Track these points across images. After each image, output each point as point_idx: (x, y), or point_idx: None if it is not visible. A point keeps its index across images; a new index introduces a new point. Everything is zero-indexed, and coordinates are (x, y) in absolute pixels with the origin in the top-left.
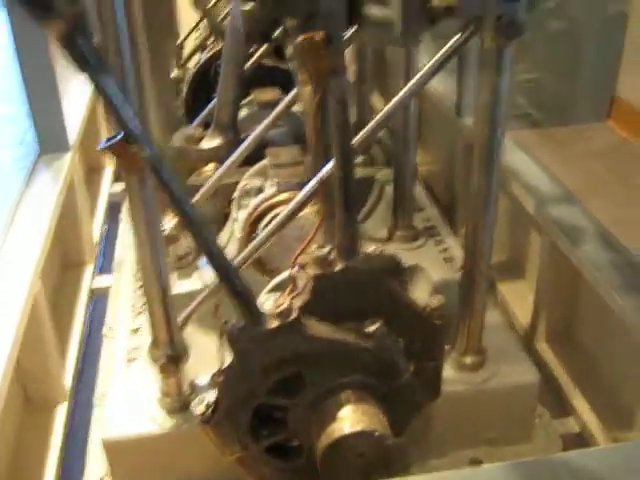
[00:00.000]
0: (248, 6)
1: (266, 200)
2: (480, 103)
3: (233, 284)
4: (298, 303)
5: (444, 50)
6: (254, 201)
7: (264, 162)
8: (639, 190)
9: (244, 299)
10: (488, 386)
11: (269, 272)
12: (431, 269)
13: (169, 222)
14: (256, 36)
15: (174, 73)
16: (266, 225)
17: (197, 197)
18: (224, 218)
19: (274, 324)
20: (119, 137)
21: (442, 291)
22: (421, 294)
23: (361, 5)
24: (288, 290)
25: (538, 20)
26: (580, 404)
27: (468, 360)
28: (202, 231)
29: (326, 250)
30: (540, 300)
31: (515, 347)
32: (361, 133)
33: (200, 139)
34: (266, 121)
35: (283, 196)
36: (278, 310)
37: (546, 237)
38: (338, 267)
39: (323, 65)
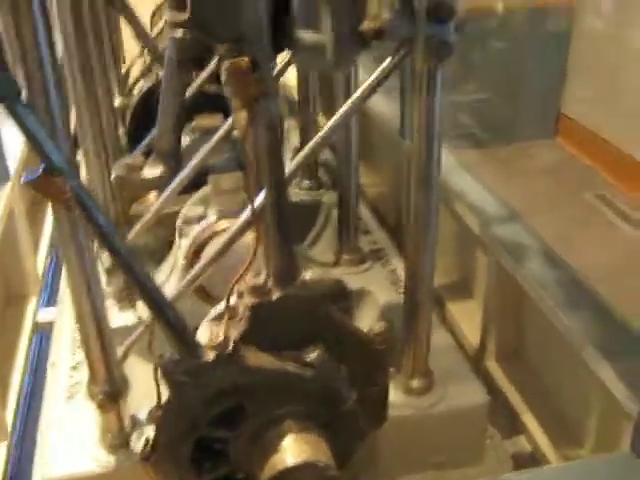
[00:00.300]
0: (179, 33)
1: (208, 228)
2: (415, 124)
3: (166, 317)
4: (236, 333)
5: (377, 72)
6: (196, 229)
7: (206, 189)
8: (584, 206)
9: (179, 331)
10: (436, 410)
11: (213, 300)
12: (378, 292)
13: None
14: (188, 63)
15: (119, 101)
16: None
17: (138, 226)
18: (169, 246)
19: (211, 356)
20: (41, 170)
21: (390, 314)
22: (368, 318)
23: (291, 30)
24: (225, 320)
25: (482, 41)
26: (531, 423)
27: (415, 383)
28: (131, 263)
29: (262, 278)
30: (489, 319)
31: (463, 368)
32: (298, 156)
33: (141, 168)
34: (204, 148)
35: (225, 223)
36: (215, 341)
37: (491, 256)
38: (275, 295)
39: (250, 91)
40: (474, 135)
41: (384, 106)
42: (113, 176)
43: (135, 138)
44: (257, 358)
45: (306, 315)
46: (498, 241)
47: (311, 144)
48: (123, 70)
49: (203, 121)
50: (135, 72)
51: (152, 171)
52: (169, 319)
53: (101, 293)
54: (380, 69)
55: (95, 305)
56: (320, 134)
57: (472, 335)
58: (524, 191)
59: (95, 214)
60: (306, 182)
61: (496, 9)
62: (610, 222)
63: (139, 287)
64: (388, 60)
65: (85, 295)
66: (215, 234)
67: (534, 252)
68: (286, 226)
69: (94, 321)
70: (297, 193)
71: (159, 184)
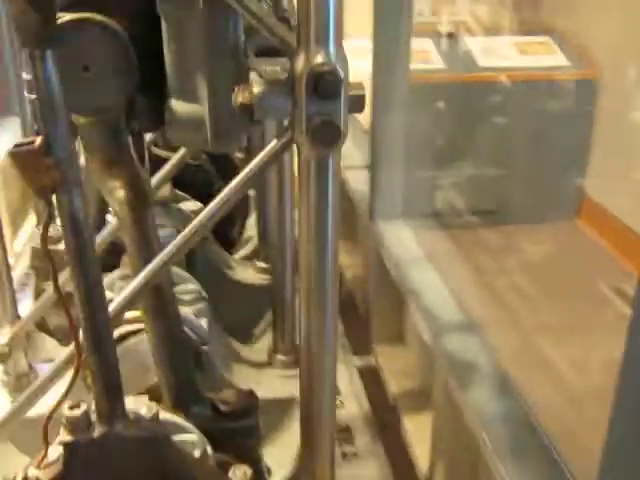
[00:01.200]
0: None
1: None
2: (304, 222)
3: None
4: (47, 476)
5: (258, 159)
6: None
7: (116, 273)
8: (594, 300)
9: None
10: None
11: None
12: None
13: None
14: None
15: None
16: None
17: (38, 304)
18: None
19: None
20: None
21: None
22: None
23: (167, 102)
24: (39, 457)
25: (492, 113)
26: None
27: None
28: None
29: (81, 410)
30: (440, 442)
31: None
32: (172, 244)
33: (61, 238)
34: (111, 224)
35: (132, 313)
36: None
37: (440, 375)
38: (97, 432)
39: (41, 179)
40: (473, 214)
41: (357, 183)
42: (30, 247)
43: None
44: None
45: (139, 458)
46: (448, 357)
47: (186, 231)
48: None
49: None
50: None
51: None
52: None
53: None
54: (260, 156)
55: None
56: (197, 220)
57: (423, 457)
58: (520, 284)
59: None
60: (261, 264)
61: (514, 79)
62: (622, 318)
63: None
64: (272, 144)
65: None
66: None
67: (484, 375)
68: (108, 348)
69: None
70: (252, 276)
71: None
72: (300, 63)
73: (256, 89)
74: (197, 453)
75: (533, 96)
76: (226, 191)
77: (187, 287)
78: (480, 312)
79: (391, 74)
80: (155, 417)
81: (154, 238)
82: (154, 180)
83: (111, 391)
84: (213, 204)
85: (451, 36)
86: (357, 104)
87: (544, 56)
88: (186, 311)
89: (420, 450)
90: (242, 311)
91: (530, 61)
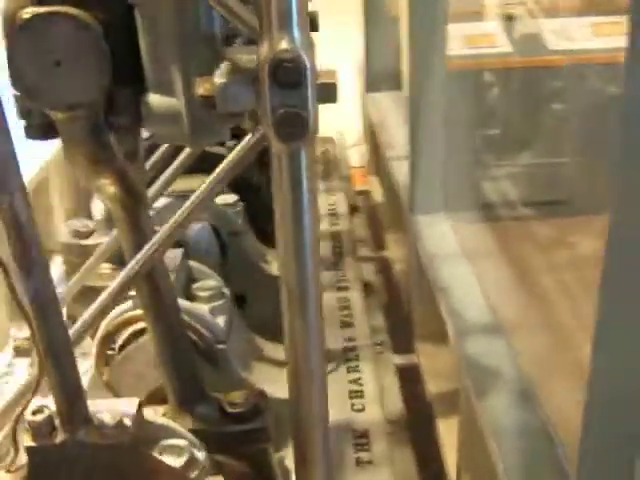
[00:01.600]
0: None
1: (122, 313)
2: (279, 223)
3: None
4: None
5: (234, 154)
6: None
7: None
8: None
9: None
10: None
11: None
12: (330, 405)
13: (20, 332)
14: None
15: None
16: (123, 344)
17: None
18: None
19: None
20: None
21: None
22: None
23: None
24: (8, 461)
25: (572, 99)
26: None
27: None
28: None
29: (43, 415)
30: (464, 449)
31: None
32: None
33: (90, 234)
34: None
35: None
36: None
37: (461, 380)
38: (60, 438)
39: None
40: (526, 206)
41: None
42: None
43: None
44: None
45: (106, 466)
46: (470, 360)
47: (165, 228)
48: None
49: (181, 183)
50: None
51: (100, 238)
52: None
53: None
54: (236, 151)
55: None
56: (173, 219)
57: (452, 462)
58: (569, 281)
59: None
60: None
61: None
62: None
63: None
64: (246, 139)
65: None
66: (129, 322)
67: (505, 382)
68: (64, 351)
69: None
70: None
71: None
72: (263, 50)
73: (218, 79)
74: (179, 461)
75: (607, 79)
76: (203, 188)
77: (207, 283)
78: (514, 311)
79: (428, 60)
80: (120, 424)
81: (149, 235)
82: (168, 172)
83: (71, 397)
84: (192, 200)
85: (512, 18)
86: (328, 93)
87: (621, 37)
88: (203, 308)
89: (450, 454)
90: (277, 306)
91: (605, 42)
